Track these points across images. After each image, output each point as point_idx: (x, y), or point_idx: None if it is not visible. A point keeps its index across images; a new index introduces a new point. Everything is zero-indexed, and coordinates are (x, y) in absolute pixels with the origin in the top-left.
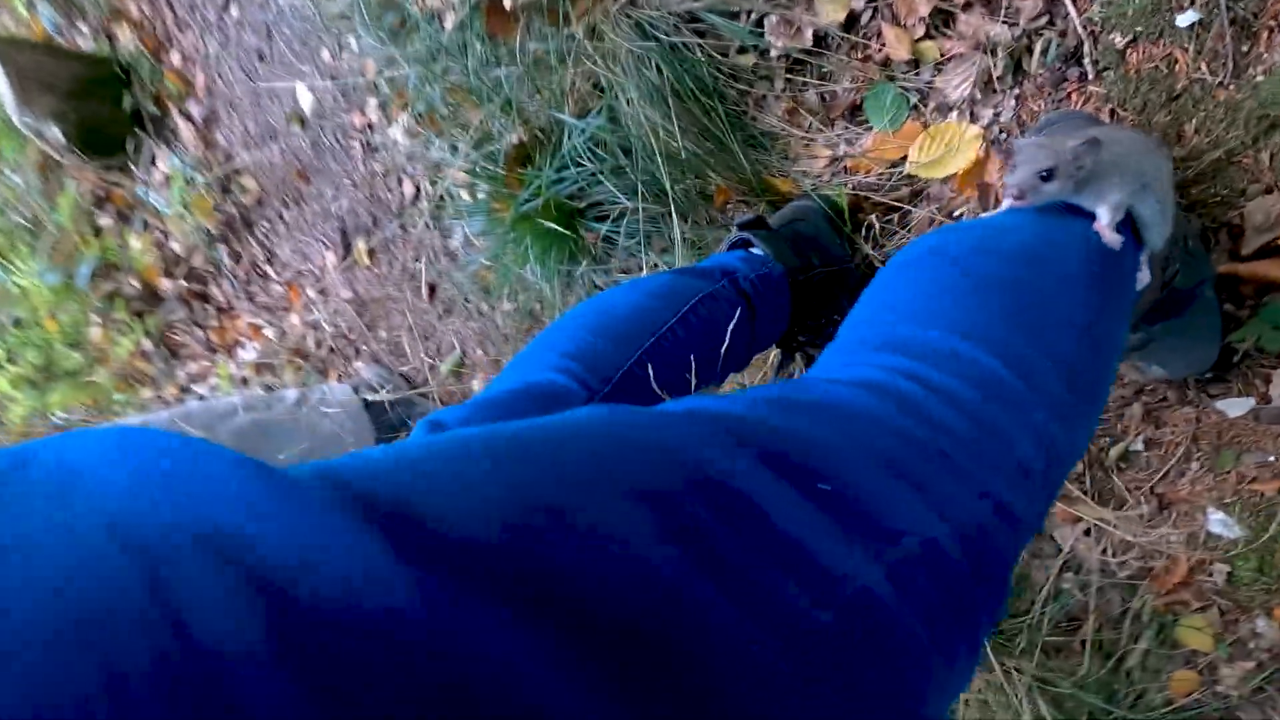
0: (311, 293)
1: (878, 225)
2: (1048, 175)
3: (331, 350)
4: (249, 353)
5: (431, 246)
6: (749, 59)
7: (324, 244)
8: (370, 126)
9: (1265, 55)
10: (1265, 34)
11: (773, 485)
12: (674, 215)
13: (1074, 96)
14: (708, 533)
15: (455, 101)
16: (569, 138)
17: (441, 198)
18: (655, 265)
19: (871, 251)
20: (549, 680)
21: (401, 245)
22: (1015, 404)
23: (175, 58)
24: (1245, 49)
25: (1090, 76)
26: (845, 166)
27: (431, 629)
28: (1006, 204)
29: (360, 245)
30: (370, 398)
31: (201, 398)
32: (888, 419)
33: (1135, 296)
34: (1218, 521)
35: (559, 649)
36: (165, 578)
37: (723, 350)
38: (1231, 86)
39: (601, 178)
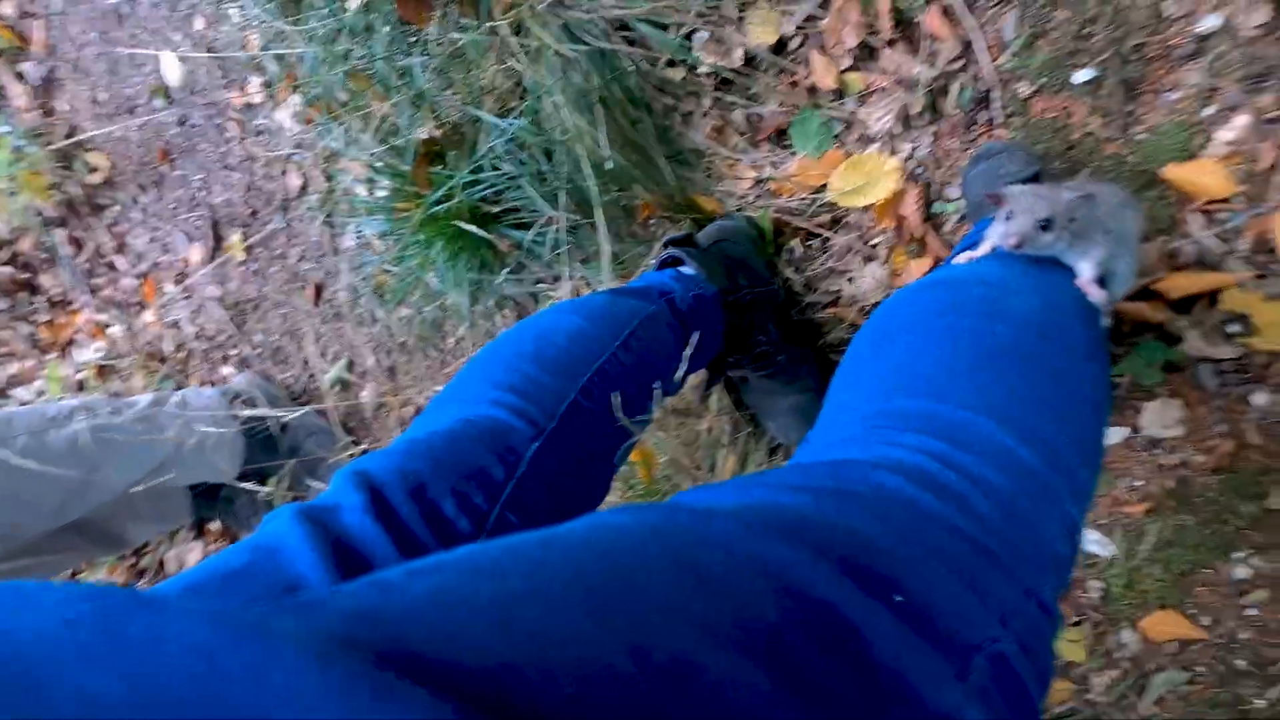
0: (171, 289)
1: (799, 249)
2: (1046, 225)
3: (194, 354)
4: (89, 353)
5: (321, 244)
6: (678, 73)
7: (189, 235)
8: (250, 107)
9: (1148, 116)
10: (1149, 96)
11: (863, 604)
12: (599, 227)
13: (984, 138)
14: (811, 667)
15: (357, 88)
16: (487, 138)
17: (333, 192)
18: (575, 278)
19: (794, 275)
20: None
21: (284, 241)
22: (1047, 496)
23: (7, 7)
24: (1131, 109)
25: (999, 121)
26: (769, 189)
27: None
28: (989, 246)
29: (234, 239)
30: (246, 411)
31: (24, 403)
32: (938, 513)
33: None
34: (1094, 540)
35: None
36: None
37: (677, 377)
38: (1119, 141)
39: (522, 183)
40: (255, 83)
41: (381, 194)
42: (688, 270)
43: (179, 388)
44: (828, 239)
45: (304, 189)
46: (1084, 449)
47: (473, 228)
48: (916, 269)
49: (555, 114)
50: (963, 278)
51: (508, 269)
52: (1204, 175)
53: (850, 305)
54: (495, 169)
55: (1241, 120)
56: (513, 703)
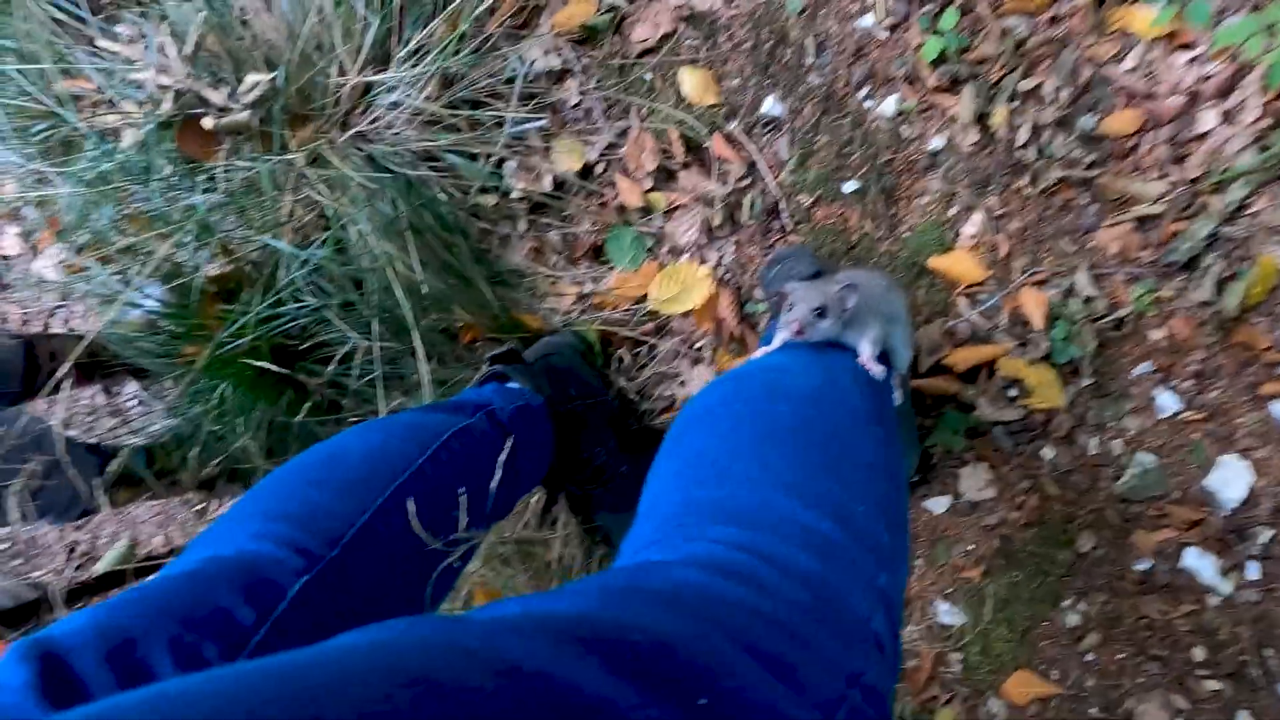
0: None
1: (628, 358)
2: (821, 312)
3: None
4: None
5: (92, 401)
6: (491, 199)
7: None
8: (5, 259)
9: (907, 217)
10: (904, 201)
11: (651, 702)
12: (418, 353)
13: (780, 244)
14: None
15: (134, 230)
16: (286, 270)
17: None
18: (396, 408)
19: (625, 383)
20: None
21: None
22: (853, 567)
23: None
24: (894, 212)
25: (789, 228)
26: (593, 303)
27: None
28: (779, 340)
29: None
30: None
31: None
32: (741, 600)
33: (895, 418)
34: (945, 611)
35: None
36: None
37: (493, 485)
38: (889, 239)
39: (327, 313)
40: (11, 232)
41: (161, 338)
42: (512, 385)
43: None
44: (654, 346)
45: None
46: (883, 511)
47: (266, 364)
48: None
49: (362, 242)
50: (750, 368)
51: (307, 406)
52: (960, 264)
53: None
54: (298, 301)
55: (978, 217)
56: None
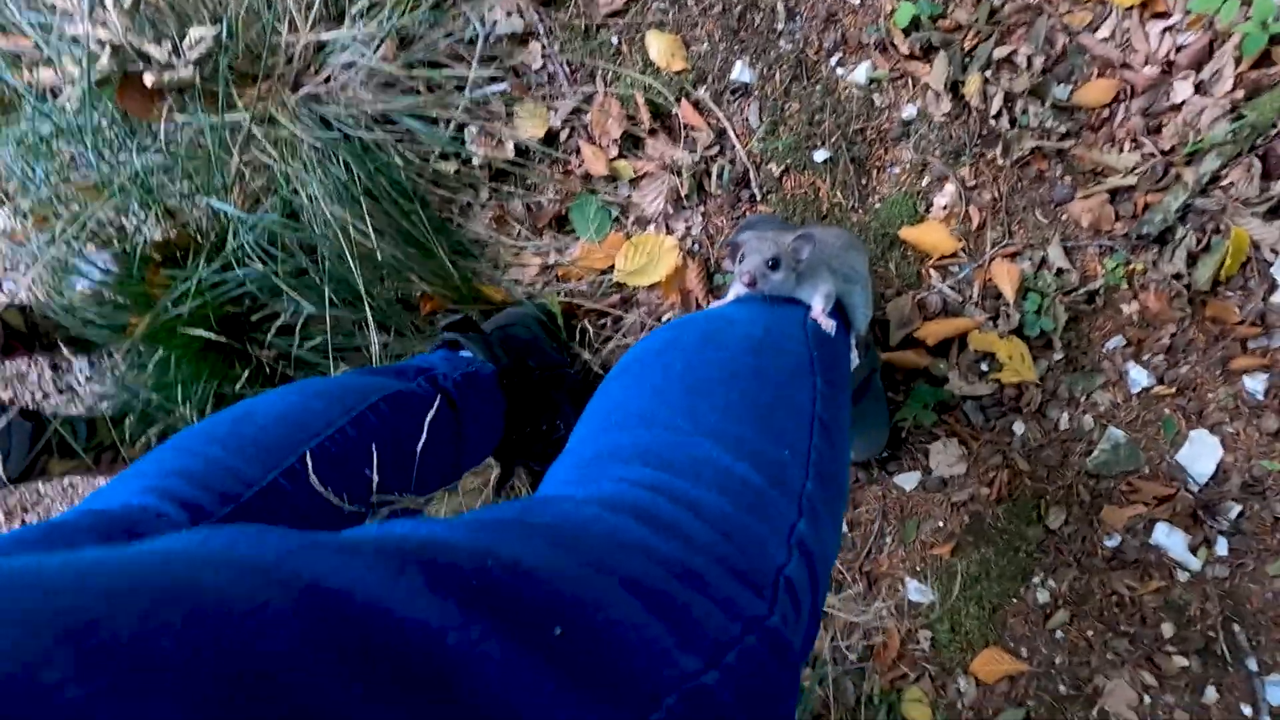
0: None
1: (592, 330)
2: (774, 264)
3: None
4: None
5: (38, 372)
6: (451, 165)
7: None
8: None
9: (878, 187)
10: (875, 171)
11: (485, 643)
12: (370, 324)
13: (748, 214)
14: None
15: (76, 194)
16: (234, 235)
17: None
18: None
19: (589, 356)
20: None
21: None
22: (768, 510)
23: None
24: (865, 182)
25: (758, 198)
26: (557, 274)
27: None
28: (734, 293)
29: None
30: None
31: None
32: (638, 541)
33: (850, 378)
34: (915, 589)
35: None
36: None
37: (419, 449)
38: (860, 210)
39: (278, 281)
40: None
41: (105, 306)
42: (464, 354)
43: None
44: (619, 318)
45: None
46: (811, 461)
47: (209, 334)
48: None
49: (314, 207)
50: (694, 317)
51: (246, 376)
52: (931, 235)
53: None
54: (246, 267)
55: (950, 188)
56: None
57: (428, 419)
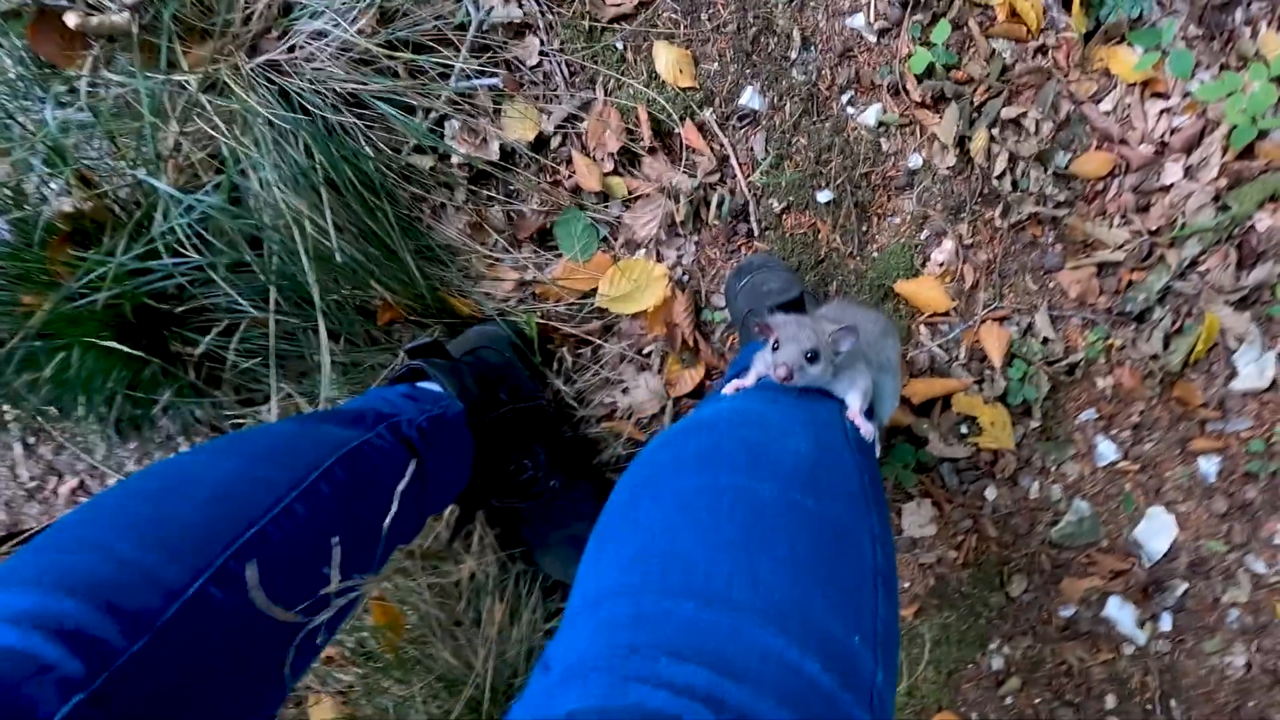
0: None
1: (569, 358)
2: (812, 357)
3: None
4: None
5: None
6: (427, 161)
7: None
8: None
9: (877, 236)
10: (876, 219)
11: None
12: (321, 331)
13: (744, 249)
14: None
15: None
16: (164, 216)
17: None
18: (290, 396)
19: (563, 386)
20: None
21: None
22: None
23: None
24: (865, 229)
25: (756, 233)
26: (534, 292)
27: None
28: (755, 375)
29: None
30: None
31: None
32: None
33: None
34: None
35: None
36: None
37: (386, 524)
38: (859, 258)
39: (213, 274)
40: None
41: None
42: (431, 386)
43: None
44: (599, 347)
45: None
46: (880, 640)
47: (113, 343)
48: (690, 379)
49: (265, 192)
50: (725, 418)
51: (190, 388)
52: (926, 291)
53: (626, 418)
54: (177, 255)
55: (948, 244)
56: None
57: (398, 491)
